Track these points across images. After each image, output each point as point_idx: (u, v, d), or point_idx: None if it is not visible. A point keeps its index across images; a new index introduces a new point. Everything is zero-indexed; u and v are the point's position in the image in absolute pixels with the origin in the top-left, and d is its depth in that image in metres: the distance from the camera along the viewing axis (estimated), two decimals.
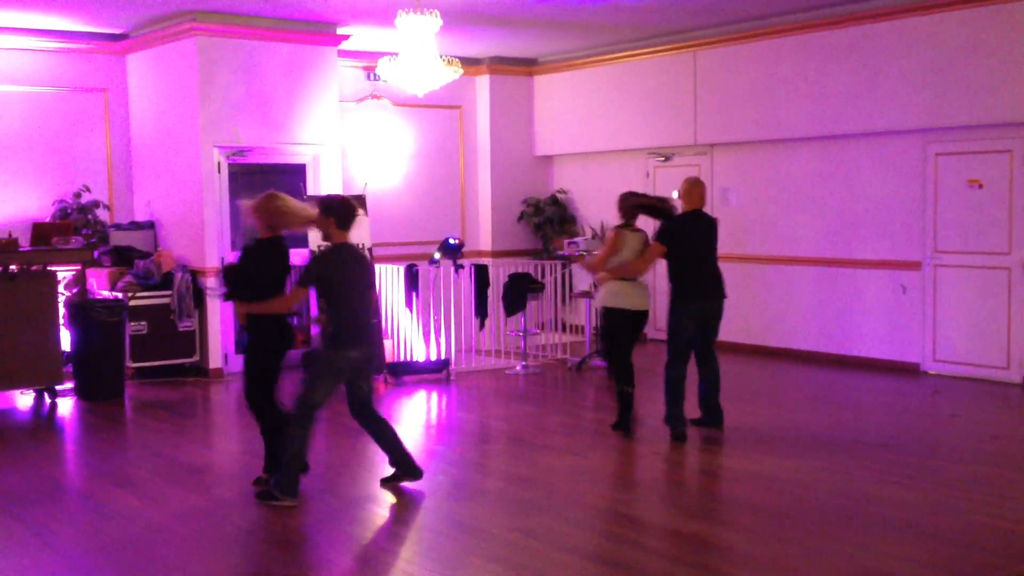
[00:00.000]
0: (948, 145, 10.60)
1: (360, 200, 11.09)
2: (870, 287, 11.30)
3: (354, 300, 6.65)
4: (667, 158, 13.26)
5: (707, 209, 8.65)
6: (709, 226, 8.44)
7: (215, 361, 11.26)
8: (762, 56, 11.83)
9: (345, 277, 6.62)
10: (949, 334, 10.69)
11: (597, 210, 13.68)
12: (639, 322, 8.41)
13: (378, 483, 7.03)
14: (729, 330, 12.27)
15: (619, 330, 8.35)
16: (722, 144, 12.54)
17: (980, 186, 10.37)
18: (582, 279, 11.76)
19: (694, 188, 8.39)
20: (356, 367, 6.72)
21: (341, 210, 6.70)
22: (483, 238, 14.33)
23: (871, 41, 10.85)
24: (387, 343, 11.25)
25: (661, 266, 8.55)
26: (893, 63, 10.69)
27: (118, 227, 11.56)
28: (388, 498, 6.83)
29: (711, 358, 8.46)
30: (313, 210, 6.81)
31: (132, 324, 10.63)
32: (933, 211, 10.72)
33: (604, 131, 13.66)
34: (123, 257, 11.16)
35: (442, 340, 11.38)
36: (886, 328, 11.19)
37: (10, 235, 10.19)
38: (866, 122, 10.98)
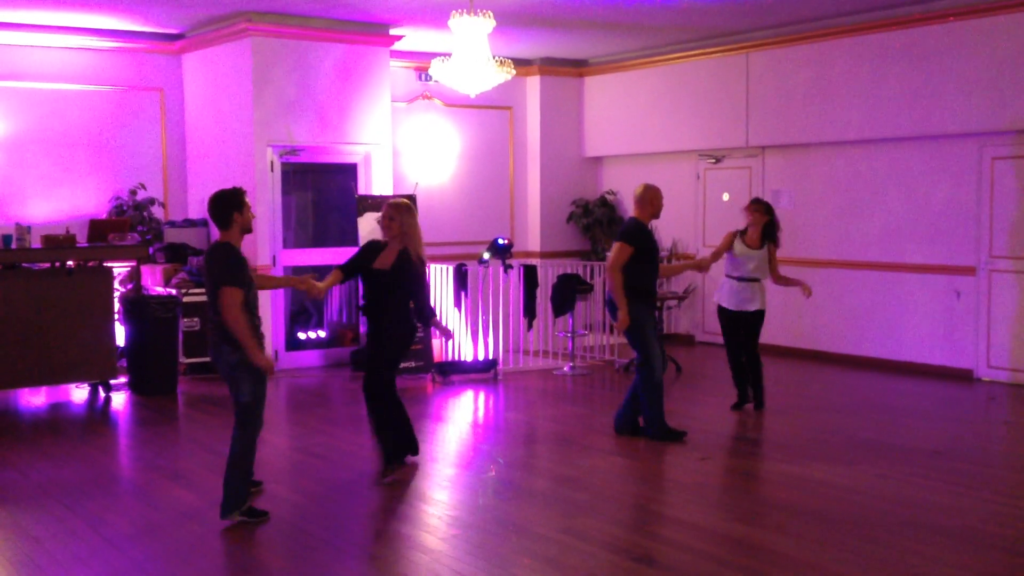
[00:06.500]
0: (1005, 149, 10.45)
1: (411, 199, 11.15)
2: (923, 292, 11.16)
3: None
4: (718, 160, 13.20)
5: None
6: None
7: None
8: (815, 58, 11.73)
9: None
10: (1003, 340, 10.54)
11: None
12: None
13: (426, 480, 7.05)
14: (779, 334, 12.27)
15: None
16: (774, 146, 12.46)
17: None
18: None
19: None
20: None
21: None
22: (532, 238, 14.35)
23: (926, 43, 10.73)
24: (435, 342, 11.30)
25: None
26: (949, 66, 10.55)
27: (172, 224, 11.71)
28: (437, 496, 6.87)
29: None
30: None
31: (185, 320, 10.76)
32: (989, 216, 10.57)
33: (654, 133, 13.61)
34: (177, 254, 11.30)
35: (490, 340, 11.41)
36: (939, 334, 11.05)
37: (67, 231, 10.36)
38: (921, 125, 10.85)
